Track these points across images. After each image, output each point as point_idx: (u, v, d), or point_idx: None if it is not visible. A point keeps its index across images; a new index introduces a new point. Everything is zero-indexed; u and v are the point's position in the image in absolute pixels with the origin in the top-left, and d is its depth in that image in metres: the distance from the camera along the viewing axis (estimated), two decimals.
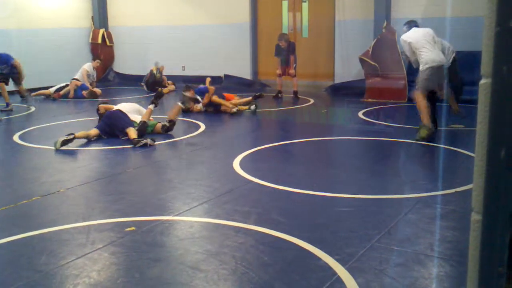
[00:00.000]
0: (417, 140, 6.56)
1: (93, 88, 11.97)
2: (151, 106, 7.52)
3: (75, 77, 11.99)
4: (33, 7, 13.30)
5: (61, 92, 11.72)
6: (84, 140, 7.12)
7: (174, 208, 4.51)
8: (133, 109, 7.74)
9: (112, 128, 7.31)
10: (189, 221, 4.19)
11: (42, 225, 4.12)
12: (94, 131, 7.25)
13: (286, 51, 11.03)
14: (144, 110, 7.68)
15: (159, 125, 7.57)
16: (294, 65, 11.06)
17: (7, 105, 9.81)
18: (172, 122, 7.52)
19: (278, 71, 11.22)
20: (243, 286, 3.10)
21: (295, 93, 11.22)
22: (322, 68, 12.65)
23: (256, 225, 4.01)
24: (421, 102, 6.71)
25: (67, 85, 11.91)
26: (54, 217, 4.35)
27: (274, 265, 3.37)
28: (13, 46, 12.62)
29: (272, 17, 13.18)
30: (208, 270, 3.29)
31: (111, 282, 3.20)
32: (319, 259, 3.41)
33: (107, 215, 4.35)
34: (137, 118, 7.49)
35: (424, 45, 6.83)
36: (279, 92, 11.25)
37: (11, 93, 10.56)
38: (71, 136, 6.74)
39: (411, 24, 7.44)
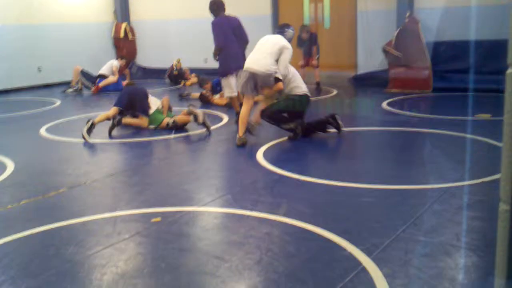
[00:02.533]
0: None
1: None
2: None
3: (102, 72, 12.00)
4: (57, 2, 13.45)
5: (100, 85, 11.74)
6: (112, 133, 7.22)
7: (198, 199, 4.55)
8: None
9: (133, 104, 7.48)
10: (214, 211, 4.22)
11: (70, 216, 4.19)
12: (113, 110, 7.39)
13: (308, 42, 10.98)
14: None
15: (165, 122, 7.40)
16: (316, 56, 11.01)
17: None
18: (175, 125, 7.33)
19: (301, 62, 11.19)
20: (268, 276, 3.11)
21: (318, 84, 11.18)
22: (344, 59, 12.57)
23: (280, 215, 4.02)
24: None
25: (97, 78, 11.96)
26: (81, 208, 4.42)
27: (299, 255, 3.38)
28: (37, 40, 12.82)
29: (293, 9, 13.11)
30: (233, 260, 3.31)
31: (137, 271, 3.24)
32: (344, 249, 3.41)
33: (133, 206, 4.40)
34: (155, 103, 7.65)
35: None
36: None
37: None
38: (90, 123, 6.87)
39: (276, 28, 7.09)
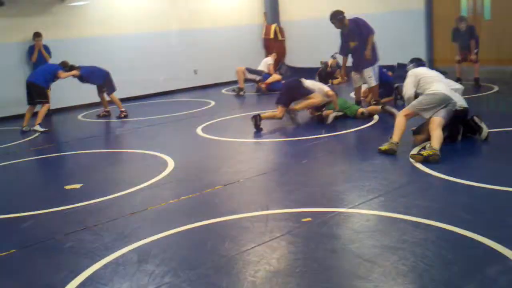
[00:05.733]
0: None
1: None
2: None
3: (261, 69, 12.33)
4: (211, 8, 14.13)
5: (268, 81, 11.94)
6: (266, 132, 7.49)
7: (349, 200, 4.48)
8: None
9: (294, 97, 7.87)
10: (365, 214, 4.12)
11: (225, 212, 4.36)
12: (279, 110, 7.73)
13: (466, 36, 10.32)
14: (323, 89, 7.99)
15: (360, 110, 7.88)
16: (475, 50, 10.31)
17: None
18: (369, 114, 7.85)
19: (457, 57, 10.56)
20: (424, 284, 2.97)
21: (476, 80, 10.45)
22: (508, 52, 11.61)
23: (437, 220, 3.80)
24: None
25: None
26: (235, 206, 4.59)
27: (458, 263, 3.17)
28: (194, 44, 13.59)
29: (448, 1, 12.41)
30: (386, 265, 3.20)
31: (290, 270, 3.28)
32: (510, 260, 3.13)
33: (284, 205, 4.46)
34: (314, 85, 8.02)
35: None
36: (458, 79, 10.55)
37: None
38: (257, 117, 7.47)
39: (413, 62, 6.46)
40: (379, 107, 7.96)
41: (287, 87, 8.06)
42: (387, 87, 9.15)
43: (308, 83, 7.97)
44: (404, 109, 6.05)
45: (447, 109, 5.79)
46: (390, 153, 5.71)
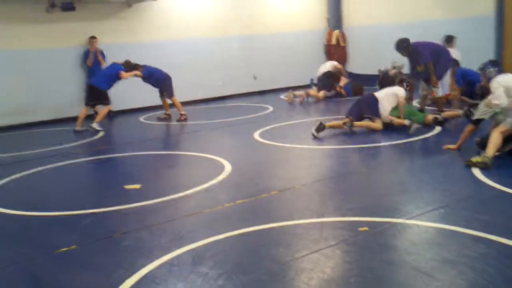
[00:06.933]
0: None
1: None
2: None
3: (325, 70, 12.36)
4: (272, 12, 14.16)
5: (342, 84, 12.16)
6: (324, 138, 7.48)
7: (407, 211, 4.37)
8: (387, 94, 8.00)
9: (363, 112, 7.86)
10: (424, 225, 4.01)
11: (279, 218, 4.34)
12: (346, 119, 7.78)
13: None
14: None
15: (430, 117, 7.69)
16: None
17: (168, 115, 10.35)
18: (444, 119, 7.64)
19: None
20: None
21: None
22: None
23: (499, 235, 3.65)
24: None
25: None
26: (290, 212, 4.56)
27: None
28: (254, 50, 13.67)
29: None
30: (444, 279, 3.10)
31: (344, 279, 3.23)
32: None
33: (340, 213, 4.41)
34: (389, 103, 7.84)
35: None
36: None
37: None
38: (319, 123, 7.52)
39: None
40: (460, 112, 7.87)
41: (364, 102, 8.03)
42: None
43: (381, 98, 7.88)
44: (500, 126, 5.68)
45: None
46: (482, 166, 5.37)
